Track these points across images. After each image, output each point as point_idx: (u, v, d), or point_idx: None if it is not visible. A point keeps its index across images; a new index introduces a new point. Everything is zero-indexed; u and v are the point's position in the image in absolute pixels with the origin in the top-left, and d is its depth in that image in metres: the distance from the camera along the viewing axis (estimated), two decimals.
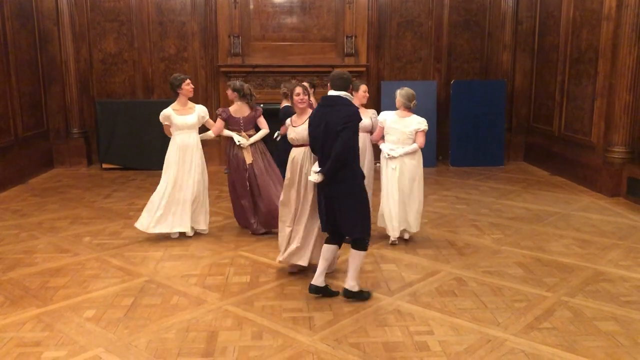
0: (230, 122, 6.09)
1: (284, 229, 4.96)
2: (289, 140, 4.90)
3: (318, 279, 4.51)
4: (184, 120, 5.97)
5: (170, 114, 5.96)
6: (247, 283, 4.87)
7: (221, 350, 3.74)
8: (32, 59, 9.58)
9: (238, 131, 6.11)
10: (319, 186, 4.45)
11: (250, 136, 6.14)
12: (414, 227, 5.85)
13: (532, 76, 10.42)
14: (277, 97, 9.85)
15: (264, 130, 6.21)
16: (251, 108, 6.19)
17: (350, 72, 9.83)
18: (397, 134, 5.68)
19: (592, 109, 8.34)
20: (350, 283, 4.46)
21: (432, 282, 4.89)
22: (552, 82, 9.62)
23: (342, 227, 4.42)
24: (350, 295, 4.46)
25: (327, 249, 4.51)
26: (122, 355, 3.68)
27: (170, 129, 6.02)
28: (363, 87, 5.95)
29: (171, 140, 6.05)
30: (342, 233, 4.50)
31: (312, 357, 3.64)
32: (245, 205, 6.15)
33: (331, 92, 4.45)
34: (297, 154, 4.82)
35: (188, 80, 6.01)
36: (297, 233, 4.83)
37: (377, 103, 10.04)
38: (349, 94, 4.45)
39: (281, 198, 4.96)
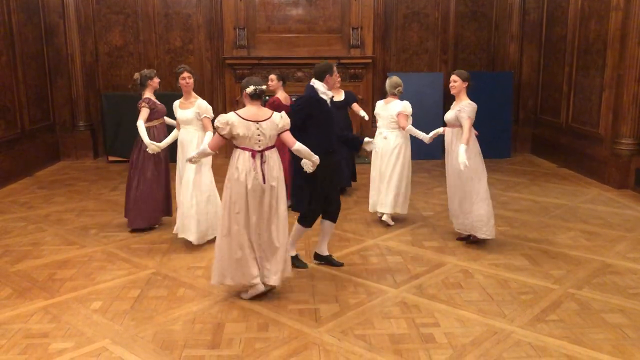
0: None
1: None
2: None
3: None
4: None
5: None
6: None
7: (227, 341, 3.75)
8: (38, 52, 9.60)
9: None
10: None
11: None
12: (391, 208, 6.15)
13: (540, 67, 10.35)
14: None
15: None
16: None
17: (356, 64, 9.99)
18: (382, 118, 6.16)
19: (600, 100, 8.27)
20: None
21: (438, 274, 4.88)
22: (559, 74, 9.54)
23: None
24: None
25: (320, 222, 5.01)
26: (129, 346, 3.70)
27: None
28: (452, 77, 5.52)
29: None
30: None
31: (318, 349, 3.64)
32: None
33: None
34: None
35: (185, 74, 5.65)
36: None
37: (383, 95, 9.98)
38: (318, 83, 4.75)
39: None
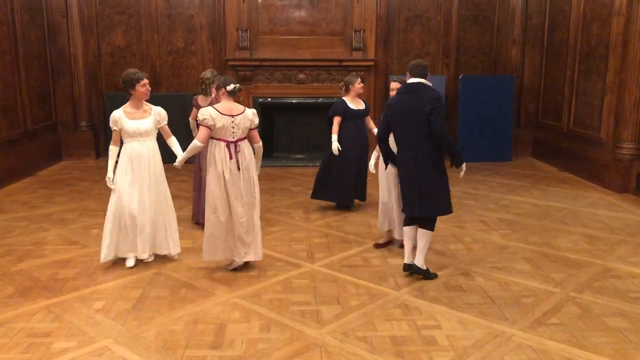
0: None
1: None
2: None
3: (410, 258, 4.84)
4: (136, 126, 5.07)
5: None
6: (255, 276, 4.88)
7: (229, 342, 3.76)
8: (41, 52, 9.62)
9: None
10: (409, 170, 4.67)
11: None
12: None
13: (541, 71, 10.35)
14: (285, 91, 9.92)
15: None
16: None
17: (358, 66, 9.99)
18: None
19: (601, 104, 8.28)
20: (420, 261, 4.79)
21: (439, 276, 4.88)
22: (561, 78, 9.55)
23: (425, 207, 4.67)
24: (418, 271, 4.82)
25: (412, 230, 4.83)
26: (131, 346, 3.71)
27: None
28: (394, 84, 5.53)
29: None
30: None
31: (320, 350, 3.65)
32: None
33: (411, 80, 4.70)
34: None
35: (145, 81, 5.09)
36: None
37: (385, 98, 10.01)
38: (426, 81, 4.69)
39: None
